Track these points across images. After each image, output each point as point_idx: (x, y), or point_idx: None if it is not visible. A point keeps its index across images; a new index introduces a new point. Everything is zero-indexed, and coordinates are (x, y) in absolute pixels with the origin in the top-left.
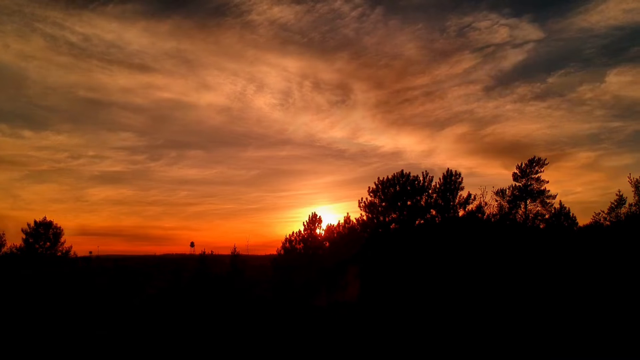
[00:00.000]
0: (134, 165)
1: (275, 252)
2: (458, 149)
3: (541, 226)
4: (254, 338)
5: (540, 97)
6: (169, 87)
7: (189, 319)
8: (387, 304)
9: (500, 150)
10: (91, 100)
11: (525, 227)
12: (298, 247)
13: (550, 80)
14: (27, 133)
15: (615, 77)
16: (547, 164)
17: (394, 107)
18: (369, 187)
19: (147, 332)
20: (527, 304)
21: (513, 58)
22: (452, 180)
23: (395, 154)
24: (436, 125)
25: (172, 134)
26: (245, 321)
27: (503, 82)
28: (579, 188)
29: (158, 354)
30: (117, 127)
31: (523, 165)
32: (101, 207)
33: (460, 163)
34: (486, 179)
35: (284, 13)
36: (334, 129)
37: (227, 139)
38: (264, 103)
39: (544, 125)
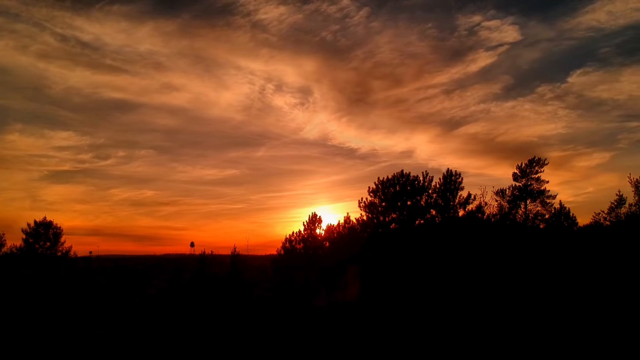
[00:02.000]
0: (156, 166)
1: (275, 252)
2: (435, 149)
3: (541, 226)
4: (254, 338)
5: (559, 96)
6: (187, 87)
7: (189, 319)
8: (387, 304)
9: (512, 150)
10: (116, 100)
11: (525, 227)
12: (298, 247)
13: (569, 79)
14: (49, 133)
15: (578, 78)
16: (547, 164)
17: (361, 110)
18: (369, 187)
19: (147, 332)
20: (527, 303)
21: (482, 62)
22: (452, 180)
23: (405, 153)
24: (408, 127)
25: (193, 134)
26: (245, 321)
27: (464, 84)
28: (555, 188)
29: (158, 353)
30: (144, 127)
31: (523, 165)
32: (119, 207)
33: (441, 162)
34: (495, 179)
35: (269, 14)
36: (350, 127)
37: (242, 139)
38: (284, 102)
39: (559, 125)
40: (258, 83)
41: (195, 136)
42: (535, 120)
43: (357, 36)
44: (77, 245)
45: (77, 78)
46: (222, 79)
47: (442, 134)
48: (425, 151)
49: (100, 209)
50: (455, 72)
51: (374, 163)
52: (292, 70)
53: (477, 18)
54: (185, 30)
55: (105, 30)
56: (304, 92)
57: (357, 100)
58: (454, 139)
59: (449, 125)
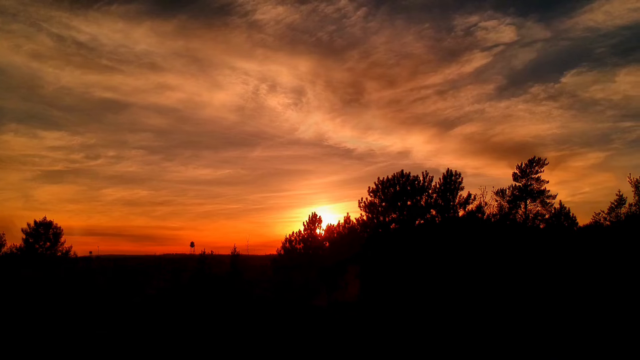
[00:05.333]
0: (148, 166)
1: (275, 252)
2: (432, 149)
3: (541, 226)
4: (254, 338)
5: (552, 97)
6: (181, 87)
7: (189, 318)
8: (387, 304)
9: (507, 150)
10: (106, 100)
11: (525, 227)
12: (298, 247)
13: (563, 80)
14: (41, 133)
15: (572, 78)
16: (547, 164)
17: (355, 111)
18: (369, 187)
19: (147, 332)
20: (527, 303)
21: (477, 62)
22: (452, 180)
23: (402, 154)
24: (403, 127)
25: (185, 134)
26: (246, 321)
27: (457, 85)
28: (586, 188)
29: (158, 353)
30: (134, 127)
31: (523, 165)
32: (114, 207)
33: (438, 162)
34: (493, 179)
35: (267, 15)
36: (344, 128)
37: (236, 139)
38: (277, 102)
39: (553, 126)
40: (252, 83)
41: (189, 136)
42: (530, 120)
43: (354, 36)
44: (74, 245)
45: (69, 77)
46: (217, 79)
47: (438, 134)
48: (422, 151)
49: (140, 210)
50: (450, 72)
51: (372, 163)
52: (286, 71)
53: (474, 18)
54: (182, 31)
55: (102, 31)
56: (298, 93)
57: (350, 100)
58: (450, 139)
59: (445, 125)
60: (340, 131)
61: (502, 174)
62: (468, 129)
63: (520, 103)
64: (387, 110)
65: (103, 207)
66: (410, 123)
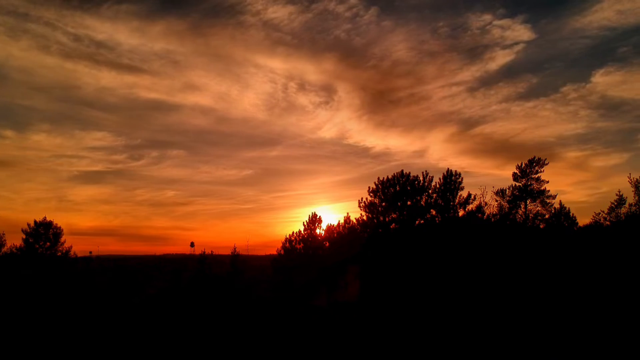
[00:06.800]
0: (115, 165)
1: (275, 252)
2: (449, 148)
3: (541, 226)
4: (254, 338)
5: (526, 97)
6: (155, 88)
7: (189, 318)
8: (387, 304)
9: (490, 149)
10: (73, 100)
11: (525, 227)
12: (298, 247)
13: (535, 80)
14: (9, 133)
15: (601, 77)
16: (547, 164)
17: (382, 109)
18: (369, 187)
19: (147, 332)
20: (527, 304)
21: (501, 59)
22: (452, 180)
23: (418, 153)
24: (425, 125)
25: (156, 133)
26: (246, 321)
27: (488, 82)
28: (568, 188)
29: (158, 353)
30: (94, 127)
31: (523, 165)
32: (87, 206)
33: (452, 163)
34: (478, 179)
35: (278, 14)
36: (322, 129)
37: (220, 139)
38: (248, 104)
39: (531, 125)
40: (280, 82)
41: (229, 137)
42: (509, 121)
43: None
44: (82, 246)
45: (107, 78)
46: (243, 78)
47: (457, 132)
48: (438, 151)
49: (117, 209)
50: (476, 70)
51: (385, 162)
52: (261, 73)
53: (487, 17)
54: (197, 30)
55: (118, 29)
56: (270, 95)
57: (378, 98)
58: (469, 138)
59: (426, 126)
60: (364, 130)
61: (488, 173)
62: (448, 129)
63: (494, 104)
64: (413, 108)
65: (75, 207)
66: (387, 125)
